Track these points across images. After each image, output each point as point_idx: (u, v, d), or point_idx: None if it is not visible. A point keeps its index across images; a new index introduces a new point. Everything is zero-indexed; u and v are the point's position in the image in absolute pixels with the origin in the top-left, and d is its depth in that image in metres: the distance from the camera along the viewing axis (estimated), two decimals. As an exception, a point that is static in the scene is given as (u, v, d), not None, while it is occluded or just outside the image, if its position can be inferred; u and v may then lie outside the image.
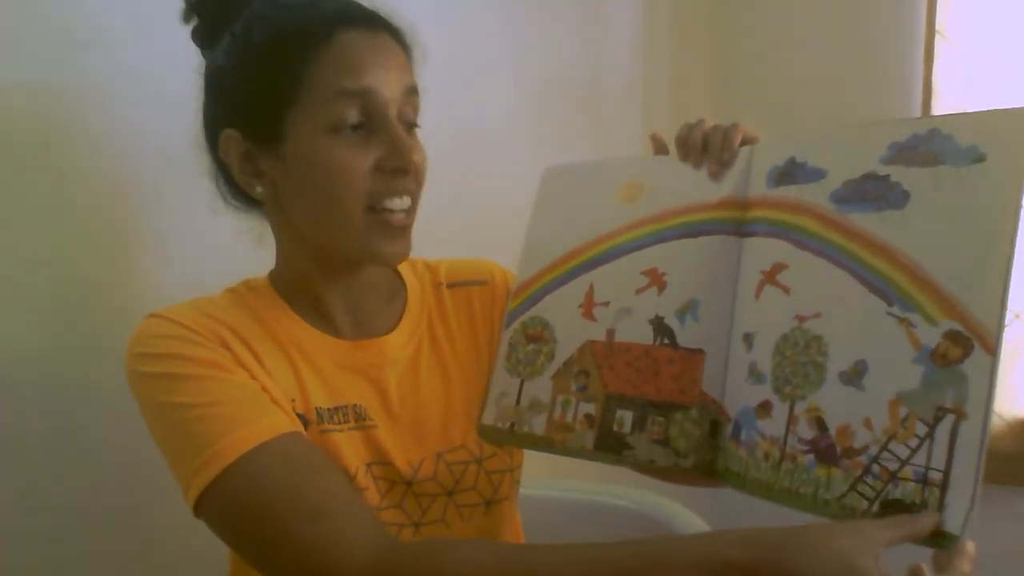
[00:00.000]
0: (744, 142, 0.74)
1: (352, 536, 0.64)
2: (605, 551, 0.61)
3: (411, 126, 0.75)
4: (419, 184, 0.76)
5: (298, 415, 0.73)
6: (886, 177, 0.63)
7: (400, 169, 0.72)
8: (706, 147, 0.75)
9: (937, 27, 1.45)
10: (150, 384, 0.71)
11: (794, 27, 1.62)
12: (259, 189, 0.75)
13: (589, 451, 0.73)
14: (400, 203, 0.74)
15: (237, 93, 0.74)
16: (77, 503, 0.93)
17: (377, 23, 0.74)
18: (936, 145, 0.62)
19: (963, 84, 1.45)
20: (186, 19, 0.79)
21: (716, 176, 0.74)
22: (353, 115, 0.71)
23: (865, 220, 0.63)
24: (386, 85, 0.71)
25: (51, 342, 0.92)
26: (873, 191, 0.64)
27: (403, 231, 0.75)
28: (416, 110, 0.76)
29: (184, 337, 0.71)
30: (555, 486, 1.15)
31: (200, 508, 0.67)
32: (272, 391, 0.72)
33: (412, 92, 0.75)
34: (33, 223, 0.90)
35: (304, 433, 0.71)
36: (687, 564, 0.58)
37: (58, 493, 0.92)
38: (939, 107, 1.46)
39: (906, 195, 0.62)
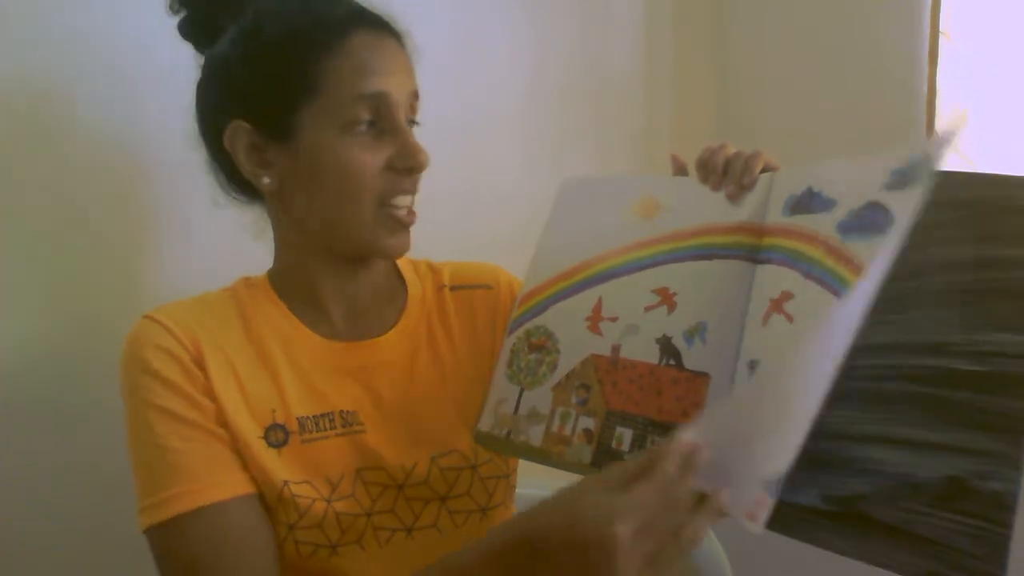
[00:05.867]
0: (764, 170, 0.73)
1: None
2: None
3: (412, 123, 0.78)
4: (418, 182, 0.78)
5: (278, 426, 0.74)
6: (886, 205, 0.62)
7: (411, 168, 0.75)
8: (727, 171, 0.74)
9: (941, 28, 1.45)
10: (130, 398, 0.72)
11: (797, 26, 1.59)
12: (266, 180, 0.75)
13: (585, 466, 0.72)
14: (407, 200, 0.77)
15: (248, 86, 0.73)
16: (78, 503, 0.92)
17: (385, 27, 0.75)
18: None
19: (967, 85, 1.45)
20: (174, 10, 0.78)
21: (734, 199, 0.73)
22: (366, 115, 0.72)
23: (861, 249, 0.63)
24: (396, 88, 0.73)
25: (52, 341, 0.90)
26: (871, 219, 0.63)
27: (407, 226, 0.77)
28: (416, 110, 0.78)
29: (168, 350, 0.72)
30: (554, 486, 1.14)
31: (146, 536, 0.70)
32: (227, 410, 0.72)
33: (415, 96, 0.77)
34: (34, 223, 0.88)
35: (248, 495, 0.72)
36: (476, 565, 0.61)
37: (59, 493, 0.91)
38: (943, 108, 1.46)
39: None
